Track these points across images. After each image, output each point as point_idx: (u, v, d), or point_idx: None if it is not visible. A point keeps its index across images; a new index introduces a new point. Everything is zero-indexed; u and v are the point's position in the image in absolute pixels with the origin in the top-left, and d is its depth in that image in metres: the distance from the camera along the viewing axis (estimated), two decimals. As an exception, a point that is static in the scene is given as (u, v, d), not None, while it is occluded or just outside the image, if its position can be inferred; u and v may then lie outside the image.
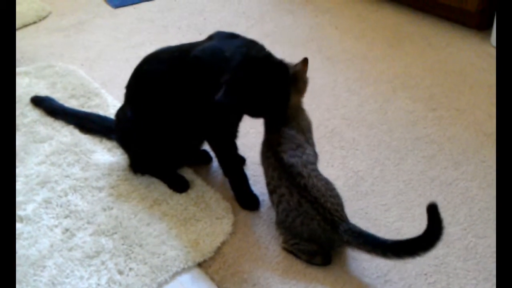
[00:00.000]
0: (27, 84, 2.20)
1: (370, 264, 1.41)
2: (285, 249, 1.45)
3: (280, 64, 1.45)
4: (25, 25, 2.79)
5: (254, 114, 1.51)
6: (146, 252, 1.45)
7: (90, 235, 1.50)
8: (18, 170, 1.73)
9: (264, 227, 1.54)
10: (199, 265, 1.43)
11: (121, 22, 2.84)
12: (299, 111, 1.53)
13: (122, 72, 2.31)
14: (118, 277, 1.38)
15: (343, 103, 2.10)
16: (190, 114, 1.54)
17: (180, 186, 1.66)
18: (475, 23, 2.56)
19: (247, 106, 1.47)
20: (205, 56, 1.48)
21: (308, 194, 1.35)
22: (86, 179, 1.70)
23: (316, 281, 1.37)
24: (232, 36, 1.54)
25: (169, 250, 1.45)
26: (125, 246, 1.47)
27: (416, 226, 1.52)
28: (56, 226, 1.54)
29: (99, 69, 2.38)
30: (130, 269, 1.40)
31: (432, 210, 1.20)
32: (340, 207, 1.38)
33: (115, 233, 1.51)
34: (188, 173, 1.72)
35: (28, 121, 1.97)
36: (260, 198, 1.62)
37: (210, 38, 1.57)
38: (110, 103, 2.08)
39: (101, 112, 1.99)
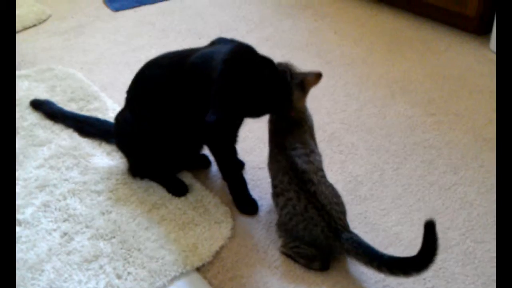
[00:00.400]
0: (27, 87, 2.20)
1: (368, 269, 1.40)
2: (283, 253, 1.45)
3: (263, 59, 1.42)
4: (25, 28, 2.80)
5: (254, 115, 1.49)
6: (144, 256, 1.44)
7: (89, 239, 1.50)
8: (17, 174, 1.73)
9: (262, 232, 1.54)
10: (198, 269, 1.43)
11: (121, 26, 2.84)
12: (306, 114, 1.52)
13: (121, 75, 2.31)
14: (116, 281, 1.38)
15: (342, 107, 2.10)
16: (190, 120, 1.54)
17: (179, 190, 1.66)
18: (475, 27, 2.56)
19: (241, 112, 1.46)
20: (199, 63, 1.46)
21: (316, 201, 1.36)
22: (85, 182, 1.70)
23: (315, 286, 1.37)
24: (231, 42, 1.53)
25: (167, 254, 1.45)
26: (123, 250, 1.46)
27: (414, 231, 1.52)
28: (54, 230, 1.53)
29: (99, 73, 2.38)
30: (129, 273, 1.40)
31: (429, 228, 1.20)
32: (343, 215, 1.40)
33: (114, 237, 1.51)
34: (187, 177, 1.72)
35: (27, 124, 1.97)
36: (259, 202, 1.62)
37: (212, 44, 1.57)
38: (109, 107, 2.08)
39: (100, 116, 2.00)
